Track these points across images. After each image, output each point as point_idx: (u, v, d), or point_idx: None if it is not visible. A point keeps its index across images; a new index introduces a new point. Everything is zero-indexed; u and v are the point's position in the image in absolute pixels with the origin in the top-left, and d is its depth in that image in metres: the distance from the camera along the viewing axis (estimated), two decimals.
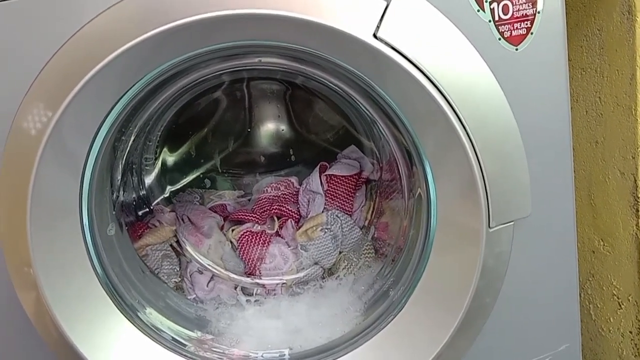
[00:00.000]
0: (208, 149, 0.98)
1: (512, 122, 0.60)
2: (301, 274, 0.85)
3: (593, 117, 0.82)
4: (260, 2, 0.55)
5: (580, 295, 0.91)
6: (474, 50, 0.58)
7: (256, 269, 0.86)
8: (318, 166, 0.91)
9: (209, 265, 0.86)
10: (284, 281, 0.86)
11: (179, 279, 0.84)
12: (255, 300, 0.82)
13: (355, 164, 0.91)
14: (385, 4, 0.56)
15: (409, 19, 0.56)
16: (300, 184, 0.93)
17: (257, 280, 0.86)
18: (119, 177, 0.79)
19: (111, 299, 0.66)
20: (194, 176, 0.97)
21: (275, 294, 0.84)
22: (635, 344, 0.80)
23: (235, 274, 0.86)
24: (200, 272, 0.85)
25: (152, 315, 0.71)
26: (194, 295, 0.83)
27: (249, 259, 0.86)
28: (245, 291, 0.85)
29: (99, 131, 0.61)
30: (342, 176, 0.89)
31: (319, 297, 0.81)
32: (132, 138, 0.77)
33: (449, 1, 0.57)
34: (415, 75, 0.56)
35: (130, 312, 0.68)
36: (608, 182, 0.80)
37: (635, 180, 0.74)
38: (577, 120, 0.85)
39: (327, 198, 0.88)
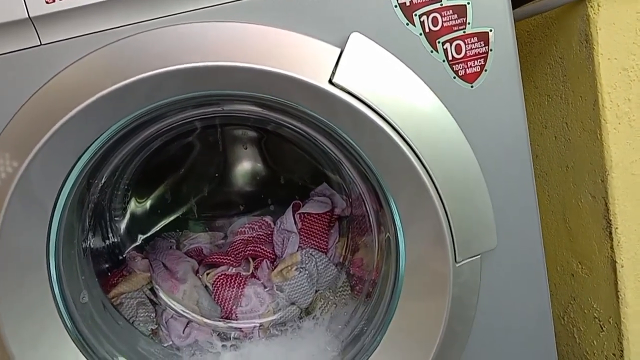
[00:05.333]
0: (181, 194, 0.97)
1: (472, 158, 0.61)
2: (278, 316, 0.85)
3: (562, 142, 0.83)
4: (218, 55, 0.56)
5: (564, 319, 0.90)
6: (429, 90, 0.59)
7: (232, 312, 0.85)
8: (291, 205, 0.92)
9: (183, 311, 0.85)
10: (261, 324, 0.85)
11: (155, 326, 0.83)
12: (232, 345, 0.81)
13: (327, 201, 0.91)
14: (339, 50, 0.57)
15: (364, 64, 0.57)
16: (275, 224, 0.93)
17: (233, 324, 0.85)
18: (89, 226, 0.78)
19: (82, 353, 0.65)
20: (165, 222, 0.96)
21: (252, 338, 0.83)
22: None
23: (211, 319, 0.85)
24: (176, 319, 0.84)
25: None
26: (170, 342, 0.82)
27: (224, 302, 0.85)
28: (222, 336, 0.84)
29: (66, 181, 0.62)
30: (316, 214, 0.89)
31: (296, 338, 0.80)
32: (101, 186, 0.77)
33: (402, 44, 0.59)
34: (373, 118, 0.57)
35: None
36: (581, 205, 0.80)
37: (606, 204, 0.75)
38: (548, 146, 0.86)
39: (302, 236, 0.88)
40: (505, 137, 0.63)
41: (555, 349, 0.72)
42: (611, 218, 0.75)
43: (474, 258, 0.62)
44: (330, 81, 0.56)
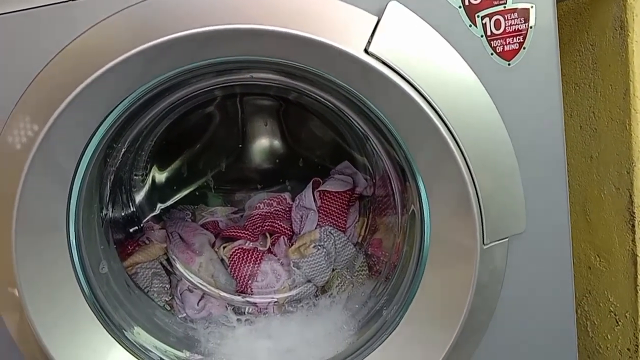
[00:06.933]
0: (200, 166, 0.97)
1: (505, 138, 0.59)
2: (294, 292, 0.84)
3: (587, 132, 0.82)
4: (251, 18, 0.55)
5: (577, 312, 0.90)
6: (466, 65, 0.58)
7: (248, 287, 0.85)
8: (311, 182, 0.91)
9: (199, 283, 0.85)
10: (276, 299, 0.84)
11: (169, 297, 0.83)
12: (246, 320, 0.81)
13: (348, 179, 0.90)
14: (376, 19, 0.56)
15: (401, 34, 0.56)
16: (293, 200, 0.92)
17: (249, 299, 0.84)
18: (108, 194, 0.77)
19: (98, 319, 0.65)
20: (185, 193, 0.96)
21: (267, 313, 0.82)
22: None
23: (227, 292, 0.85)
24: (191, 291, 0.84)
25: (140, 335, 0.70)
26: (184, 314, 0.81)
27: (240, 277, 0.85)
28: (237, 310, 0.84)
29: (87, 146, 0.61)
30: (336, 192, 0.88)
31: (312, 315, 0.80)
32: (122, 153, 0.76)
33: (440, 16, 0.57)
34: (407, 90, 0.55)
35: (117, 332, 0.67)
36: (603, 197, 0.79)
37: (631, 196, 0.74)
38: (572, 135, 0.85)
39: (321, 214, 0.87)
40: (539, 119, 0.61)
41: (576, 342, 0.71)
42: (635, 210, 0.74)
43: (502, 241, 0.61)
44: (366, 50, 0.55)
